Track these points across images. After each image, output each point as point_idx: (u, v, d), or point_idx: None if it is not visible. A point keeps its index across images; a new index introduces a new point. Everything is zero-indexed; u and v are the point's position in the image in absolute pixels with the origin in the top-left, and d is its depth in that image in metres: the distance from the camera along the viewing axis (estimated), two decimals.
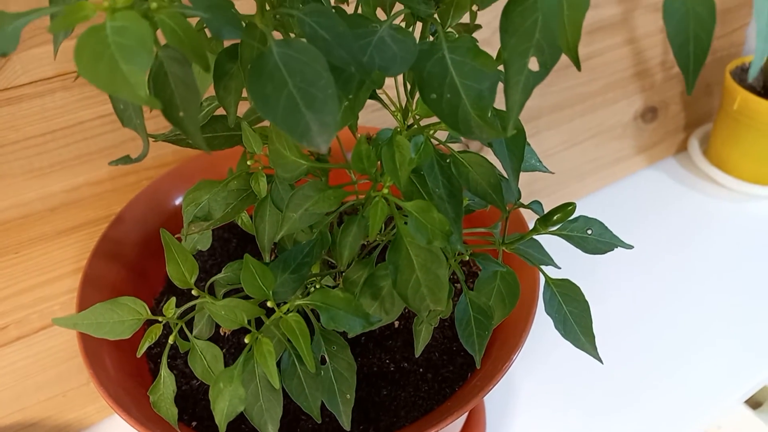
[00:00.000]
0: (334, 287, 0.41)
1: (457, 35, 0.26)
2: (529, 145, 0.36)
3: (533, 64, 0.24)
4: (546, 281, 0.38)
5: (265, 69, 0.22)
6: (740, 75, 0.85)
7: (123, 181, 0.56)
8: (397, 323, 0.49)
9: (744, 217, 0.83)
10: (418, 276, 0.30)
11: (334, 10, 0.32)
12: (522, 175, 0.34)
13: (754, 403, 0.72)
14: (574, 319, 0.37)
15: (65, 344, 0.58)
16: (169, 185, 0.55)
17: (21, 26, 0.18)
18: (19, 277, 0.55)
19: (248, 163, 0.36)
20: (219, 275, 0.36)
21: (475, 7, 0.26)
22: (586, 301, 0.37)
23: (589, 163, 0.86)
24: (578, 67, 0.22)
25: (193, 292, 0.34)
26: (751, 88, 0.82)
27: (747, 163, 0.85)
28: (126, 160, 0.32)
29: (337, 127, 0.22)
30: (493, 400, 0.62)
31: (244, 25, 0.26)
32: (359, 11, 0.30)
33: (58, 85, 0.50)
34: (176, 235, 0.36)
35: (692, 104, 0.94)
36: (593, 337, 0.38)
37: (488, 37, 0.69)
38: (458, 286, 0.51)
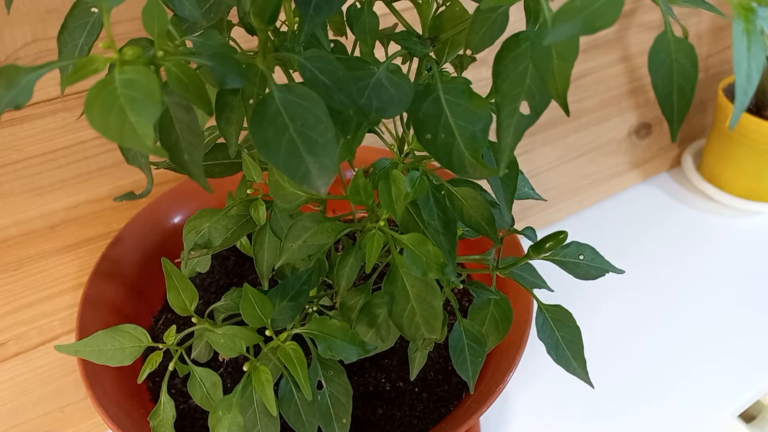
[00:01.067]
0: (330, 308, 0.42)
1: (451, 75, 0.27)
2: (522, 173, 0.37)
3: (524, 108, 0.25)
4: (539, 307, 0.39)
5: (267, 113, 0.23)
6: (733, 92, 0.86)
7: None
8: None
9: (736, 231, 0.84)
10: (413, 306, 0.31)
11: (333, 44, 0.33)
12: None
13: (747, 417, 0.73)
14: (566, 344, 0.37)
15: (63, 360, 0.58)
16: (167, 204, 0.56)
17: (34, 79, 0.19)
18: (18, 293, 0.55)
19: (248, 191, 0.36)
20: (218, 303, 0.36)
21: (469, 52, 0.27)
22: (578, 327, 0.38)
23: (583, 178, 0.87)
24: (567, 112, 0.23)
25: (193, 320, 0.35)
26: None
27: (740, 179, 0.86)
28: (130, 196, 0.33)
29: (336, 170, 0.22)
30: (487, 414, 0.62)
31: (244, 66, 0.27)
32: (357, 48, 0.31)
33: (59, 106, 0.51)
34: (176, 261, 0.37)
35: (686, 121, 0.95)
36: (584, 362, 0.38)
37: (484, 55, 0.70)
38: (451, 305, 0.52)
